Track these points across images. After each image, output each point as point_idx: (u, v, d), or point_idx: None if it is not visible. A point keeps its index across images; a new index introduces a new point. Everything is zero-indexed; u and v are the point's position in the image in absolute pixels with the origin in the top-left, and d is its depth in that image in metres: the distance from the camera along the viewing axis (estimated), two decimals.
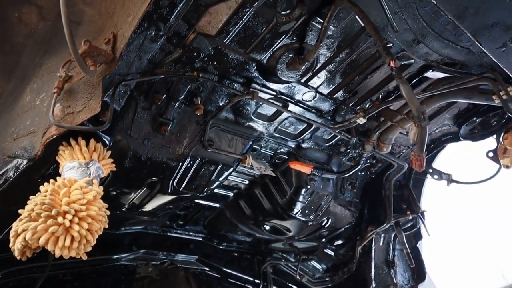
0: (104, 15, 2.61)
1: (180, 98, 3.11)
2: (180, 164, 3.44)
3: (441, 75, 3.40)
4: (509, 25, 2.56)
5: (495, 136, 4.27)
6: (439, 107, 4.05)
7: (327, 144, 4.27)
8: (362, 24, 2.61)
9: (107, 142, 2.78)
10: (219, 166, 3.68)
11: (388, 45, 2.96)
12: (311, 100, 3.48)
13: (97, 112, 2.33)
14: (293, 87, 3.31)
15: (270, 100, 3.31)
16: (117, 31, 2.43)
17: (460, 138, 4.56)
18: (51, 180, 2.22)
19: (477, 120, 4.33)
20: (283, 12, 2.57)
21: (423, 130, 2.38)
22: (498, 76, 2.92)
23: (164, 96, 3.06)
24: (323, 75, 3.19)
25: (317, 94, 3.41)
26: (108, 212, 2.29)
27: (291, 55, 2.89)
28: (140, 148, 3.19)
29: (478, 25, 2.50)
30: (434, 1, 2.27)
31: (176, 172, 3.50)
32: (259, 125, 3.67)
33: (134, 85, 2.90)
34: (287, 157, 4.27)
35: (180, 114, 3.24)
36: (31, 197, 2.14)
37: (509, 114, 2.99)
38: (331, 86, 3.34)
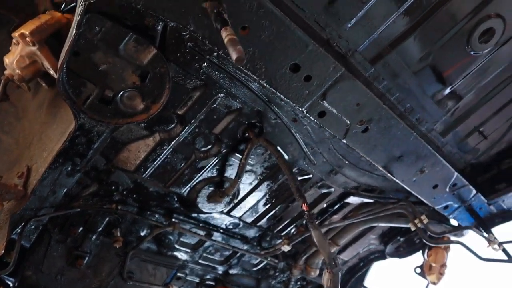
0: (21, 145, 2.54)
1: (98, 230, 3.00)
2: None
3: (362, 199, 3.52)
4: (416, 158, 2.73)
5: (421, 251, 4.38)
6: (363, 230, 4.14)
7: (255, 269, 4.18)
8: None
9: (11, 284, 2.58)
10: None
11: (308, 177, 3.06)
12: (235, 228, 3.45)
13: (0, 254, 2.18)
14: (216, 216, 3.28)
15: (193, 229, 3.25)
16: (32, 164, 2.36)
17: (387, 256, 4.63)
18: None
19: (401, 239, 4.44)
20: (201, 149, 2.62)
21: (335, 277, 2.37)
22: (412, 205, 3.05)
23: (81, 228, 2.94)
24: (245, 205, 3.21)
25: (241, 222, 3.40)
26: None
27: (211, 188, 2.90)
28: (52, 284, 2.97)
29: (388, 159, 2.65)
30: (344, 141, 2.39)
31: None
32: (183, 254, 3.56)
33: (48, 218, 2.77)
34: (214, 283, 4.12)
35: (98, 246, 3.09)
36: None
37: (424, 241, 3.10)
38: (254, 214, 3.36)
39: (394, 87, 2.55)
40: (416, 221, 2.96)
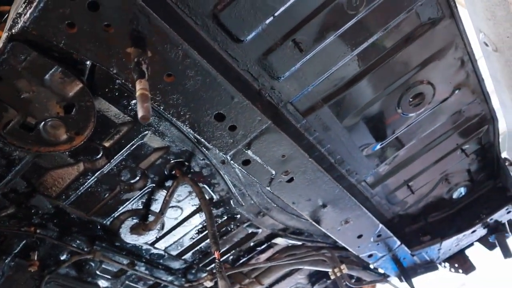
0: None
1: (14, 252, 2.88)
2: None
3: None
4: (341, 209, 2.79)
5: None
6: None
7: None
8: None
9: None
10: None
11: (236, 216, 3.07)
12: (160, 259, 3.41)
13: None
14: (140, 246, 3.23)
15: (115, 258, 3.18)
16: None
17: None
18: None
19: (328, 281, 4.49)
20: (127, 182, 2.59)
21: None
22: (334, 254, 3.11)
23: None
24: (170, 239, 3.18)
25: (166, 254, 3.36)
26: None
27: (136, 220, 2.87)
28: None
29: (313, 209, 2.70)
30: (269, 189, 2.42)
31: None
32: (104, 281, 3.46)
33: None
34: None
35: (13, 268, 2.97)
36: None
37: None
38: (179, 248, 3.33)
39: (325, 139, 2.61)
40: (336, 270, 3.02)
